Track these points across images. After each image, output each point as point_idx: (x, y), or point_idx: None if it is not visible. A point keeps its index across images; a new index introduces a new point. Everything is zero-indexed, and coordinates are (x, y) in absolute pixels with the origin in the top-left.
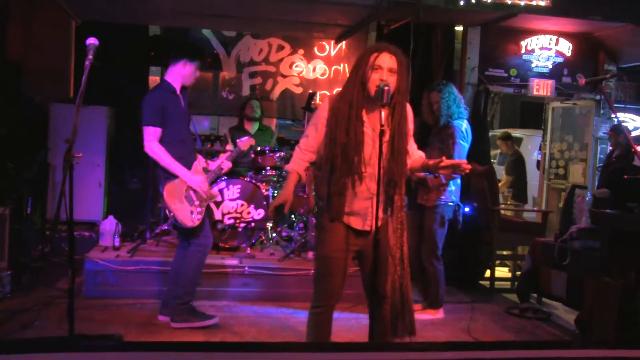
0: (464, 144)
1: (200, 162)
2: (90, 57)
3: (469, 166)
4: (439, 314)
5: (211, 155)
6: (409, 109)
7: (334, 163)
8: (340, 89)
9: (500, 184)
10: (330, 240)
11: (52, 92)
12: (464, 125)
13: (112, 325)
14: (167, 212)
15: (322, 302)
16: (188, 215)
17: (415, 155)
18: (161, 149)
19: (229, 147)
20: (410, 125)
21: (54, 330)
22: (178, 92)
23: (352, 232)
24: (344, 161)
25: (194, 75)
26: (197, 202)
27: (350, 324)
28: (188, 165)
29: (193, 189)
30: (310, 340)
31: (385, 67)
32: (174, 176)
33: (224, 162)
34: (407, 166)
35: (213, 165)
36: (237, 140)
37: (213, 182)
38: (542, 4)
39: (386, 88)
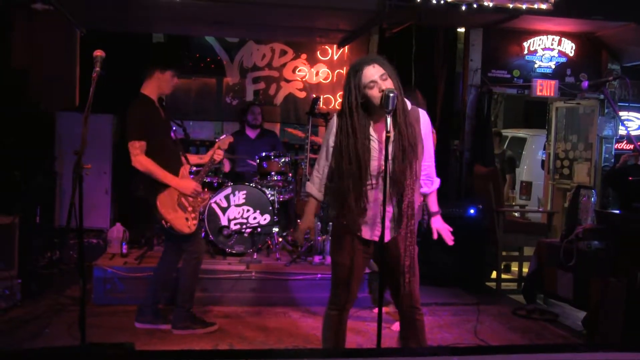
0: None
1: (186, 167)
2: (98, 69)
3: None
4: None
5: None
6: (423, 113)
7: (346, 191)
8: (339, 114)
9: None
10: (342, 247)
11: (58, 101)
12: None
13: (121, 332)
14: (164, 222)
15: (335, 305)
16: (184, 222)
17: (431, 183)
18: (149, 161)
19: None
20: (425, 129)
21: (64, 338)
22: (156, 103)
23: (362, 241)
24: (355, 188)
25: (172, 82)
26: (190, 209)
27: (357, 327)
28: (175, 172)
29: (184, 196)
30: (325, 340)
31: (377, 78)
32: (164, 186)
33: (216, 154)
34: (418, 172)
35: (205, 157)
36: (217, 139)
37: (207, 175)
38: (544, 6)
39: (392, 95)
